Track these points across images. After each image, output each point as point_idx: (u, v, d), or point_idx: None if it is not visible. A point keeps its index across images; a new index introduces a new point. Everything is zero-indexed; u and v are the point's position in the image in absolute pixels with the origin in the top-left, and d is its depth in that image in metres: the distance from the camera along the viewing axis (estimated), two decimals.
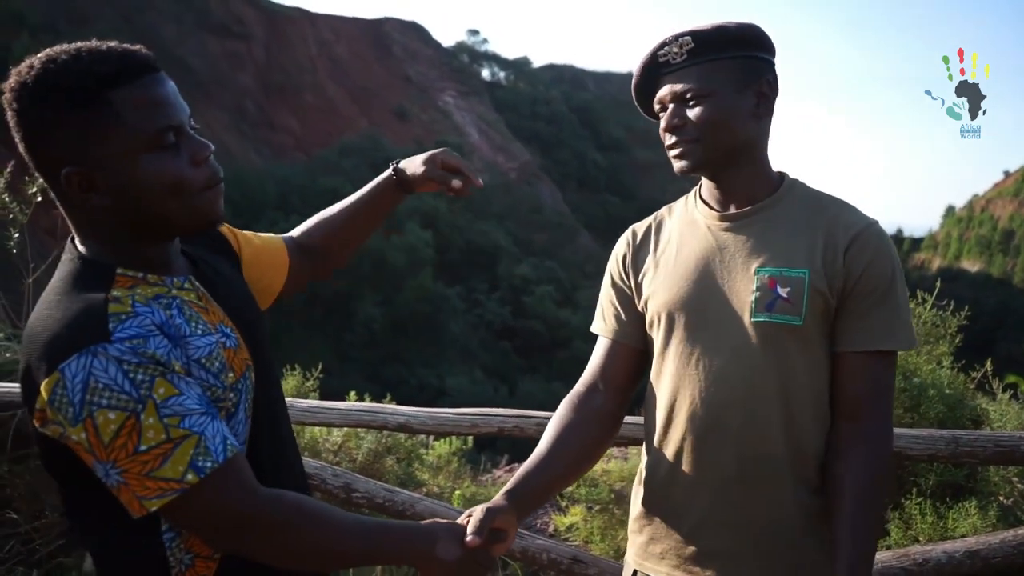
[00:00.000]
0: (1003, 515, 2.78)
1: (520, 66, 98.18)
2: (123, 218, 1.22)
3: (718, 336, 1.55)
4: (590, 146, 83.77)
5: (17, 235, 3.81)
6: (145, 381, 1.12)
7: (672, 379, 1.60)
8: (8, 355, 3.65)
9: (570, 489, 3.46)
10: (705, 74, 1.53)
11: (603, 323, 1.75)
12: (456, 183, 1.69)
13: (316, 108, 67.19)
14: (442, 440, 4.54)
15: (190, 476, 1.14)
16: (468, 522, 1.41)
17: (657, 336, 1.64)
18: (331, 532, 1.24)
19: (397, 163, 1.75)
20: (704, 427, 1.55)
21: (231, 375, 1.26)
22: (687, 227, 1.66)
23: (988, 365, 3.32)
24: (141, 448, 1.12)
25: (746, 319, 1.53)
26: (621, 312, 1.72)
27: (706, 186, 1.66)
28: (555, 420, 1.69)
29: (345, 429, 3.99)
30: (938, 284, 3.45)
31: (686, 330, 1.58)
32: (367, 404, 3.14)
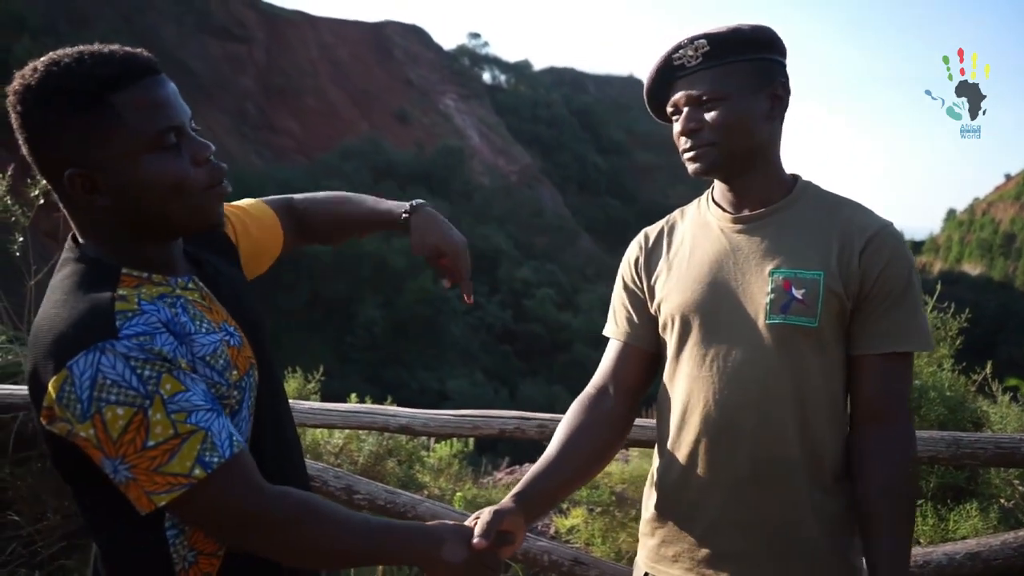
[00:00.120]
0: (1004, 517, 2.79)
1: (521, 69, 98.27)
2: (125, 218, 1.23)
3: (732, 338, 1.54)
4: (591, 149, 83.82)
5: (21, 239, 3.82)
6: (152, 377, 1.13)
7: (686, 381, 1.59)
8: (10, 357, 3.65)
9: None
10: (720, 77, 1.53)
11: (614, 325, 1.74)
12: (446, 283, 1.70)
13: (317, 111, 67.26)
14: (443, 443, 4.54)
15: (197, 471, 1.15)
16: (475, 524, 1.40)
17: (670, 338, 1.63)
18: (336, 530, 1.25)
19: (417, 208, 1.71)
20: (718, 429, 1.54)
21: (235, 373, 1.27)
22: (700, 230, 1.66)
23: (989, 368, 3.32)
24: (149, 443, 1.13)
25: (761, 321, 1.52)
26: (633, 315, 1.71)
27: (719, 189, 1.65)
28: (565, 422, 1.69)
29: (346, 431, 3.99)
30: (939, 287, 3.46)
31: (700, 332, 1.58)
32: (368, 406, 3.15)
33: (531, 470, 1.62)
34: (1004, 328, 50.52)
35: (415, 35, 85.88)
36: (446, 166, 62.85)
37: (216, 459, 1.16)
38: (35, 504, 3.34)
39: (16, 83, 1.19)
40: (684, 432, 1.59)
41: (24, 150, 1.22)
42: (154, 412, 1.13)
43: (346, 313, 44.80)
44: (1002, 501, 2.91)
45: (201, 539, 1.25)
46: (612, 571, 2.65)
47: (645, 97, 1.66)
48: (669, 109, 1.62)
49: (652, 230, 1.75)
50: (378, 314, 45.13)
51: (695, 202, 1.73)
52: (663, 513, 1.64)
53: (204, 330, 1.25)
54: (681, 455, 1.60)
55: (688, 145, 1.57)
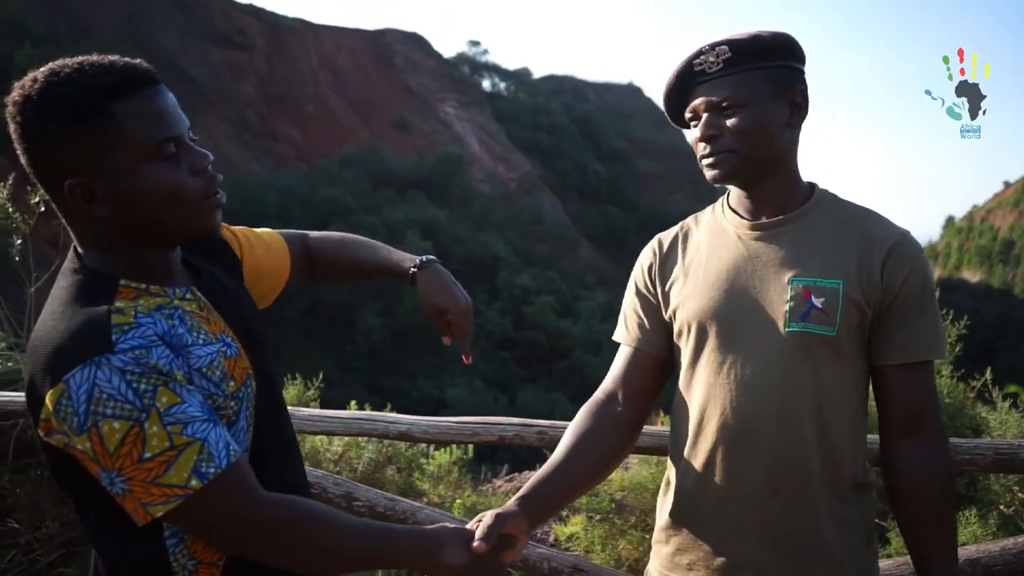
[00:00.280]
0: (1003, 524, 2.78)
1: (521, 77, 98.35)
2: (124, 227, 1.24)
3: (751, 345, 1.54)
4: (591, 157, 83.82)
5: (20, 242, 3.82)
6: (148, 390, 1.14)
7: (703, 388, 1.59)
8: (10, 364, 3.65)
9: None
10: (741, 83, 1.53)
11: (626, 331, 1.74)
12: (446, 341, 1.71)
13: (317, 118, 67.32)
14: (442, 450, 4.54)
15: (194, 482, 1.15)
16: (477, 527, 1.40)
17: (686, 346, 1.63)
18: (336, 534, 1.25)
19: (426, 265, 1.72)
20: (735, 436, 1.54)
21: (232, 384, 1.28)
22: (716, 236, 1.65)
23: (988, 374, 3.32)
24: (146, 455, 1.13)
25: (780, 329, 1.52)
26: (645, 320, 1.71)
27: (736, 195, 1.65)
28: (573, 427, 1.68)
29: (346, 439, 3.99)
30: (938, 294, 3.45)
31: (717, 339, 1.58)
32: (368, 413, 3.15)
33: (537, 473, 1.62)
34: (1003, 335, 50.47)
35: (415, 43, 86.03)
36: (446, 173, 62.86)
37: (213, 470, 1.16)
38: (34, 512, 3.33)
39: (16, 93, 1.21)
40: (701, 440, 1.59)
41: (23, 160, 1.23)
42: (150, 425, 1.13)
43: (346, 321, 44.74)
44: (1001, 507, 2.90)
45: (201, 548, 1.25)
46: None
47: (663, 101, 1.66)
48: (688, 115, 1.62)
49: (666, 236, 1.75)
50: (378, 322, 45.07)
51: (709, 208, 1.73)
52: (678, 521, 1.63)
53: (201, 341, 1.26)
54: (697, 463, 1.59)
55: (707, 151, 1.58)
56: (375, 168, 58.56)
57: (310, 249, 1.74)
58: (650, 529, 3.19)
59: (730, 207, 1.66)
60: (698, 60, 1.56)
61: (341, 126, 68.39)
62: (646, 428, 2.48)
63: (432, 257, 1.74)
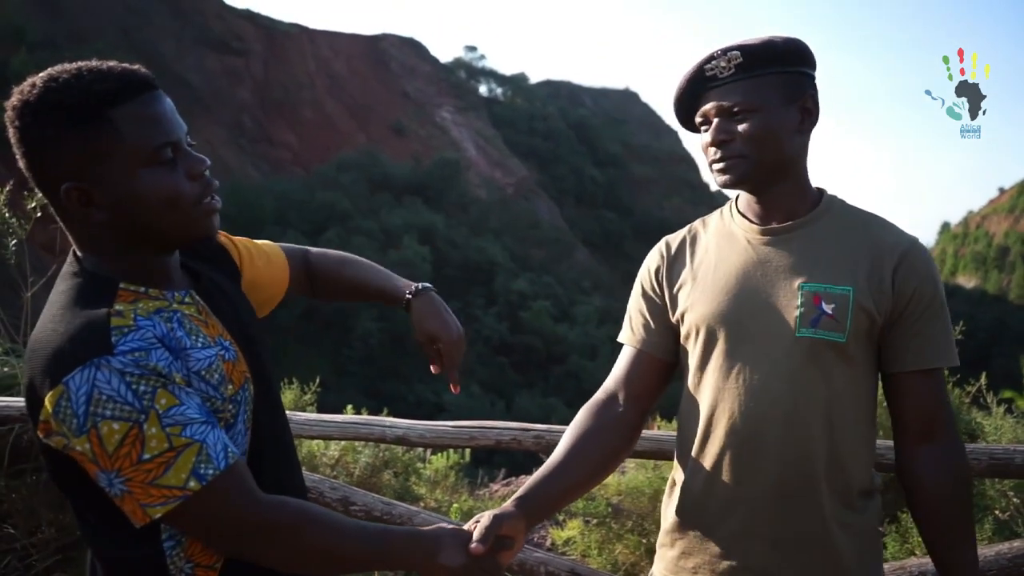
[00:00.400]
0: (999, 528, 2.79)
1: (517, 82, 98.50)
2: (121, 231, 1.25)
3: (760, 350, 1.54)
4: (587, 162, 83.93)
5: (14, 243, 3.81)
6: (147, 392, 1.15)
7: (711, 392, 1.58)
8: (6, 369, 3.65)
9: None
10: (752, 89, 1.53)
11: (630, 332, 1.74)
12: (434, 369, 1.71)
13: (314, 123, 67.38)
14: (439, 454, 4.54)
15: (192, 483, 1.16)
16: (474, 528, 1.41)
17: (694, 349, 1.63)
18: (334, 536, 1.26)
19: (421, 292, 1.72)
20: (743, 441, 1.54)
21: (230, 387, 1.29)
22: (724, 240, 1.65)
23: (983, 380, 3.33)
24: (145, 457, 1.14)
25: (790, 334, 1.52)
26: (650, 322, 1.71)
27: (745, 200, 1.65)
28: (573, 427, 1.68)
29: (342, 443, 3.99)
30: None
31: (727, 343, 1.57)
32: (365, 417, 3.15)
33: (536, 474, 1.62)
34: (998, 340, 50.57)
35: (412, 48, 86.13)
36: (442, 178, 62.94)
37: (211, 471, 1.17)
38: (30, 517, 3.33)
39: (14, 99, 1.21)
40: (708, 444, 1.58)
41: (22, 164, 1.24)
42: (149, 426, 1.14)
43: (343, 326, 44.72)
44: (997, 512, 2.91)
45: (198, 551, 1.26)
46: None
47: (674, 106, 1.66)
48: (698, 119, 1.61)
49: (674, 239, 1.74)
50: (374, 327, 45.03)
51: (717, 212, 1.73)
52: (684, 524, 1.63)
53: (200, 344, 1.26)
54: (705, 466, 1.59)
55: (718, 156, 1.57)
56: (372, 173, 58.61)
57: (311, 265, 1.75)
58: (647, 533, 3.20)
59: (739, 211, 1.66)
60: (709, 65, 1.56)
61: (338, 131, 68.45)
62: (643, 432, 2.49)
63: (428, 285, 1.74)
